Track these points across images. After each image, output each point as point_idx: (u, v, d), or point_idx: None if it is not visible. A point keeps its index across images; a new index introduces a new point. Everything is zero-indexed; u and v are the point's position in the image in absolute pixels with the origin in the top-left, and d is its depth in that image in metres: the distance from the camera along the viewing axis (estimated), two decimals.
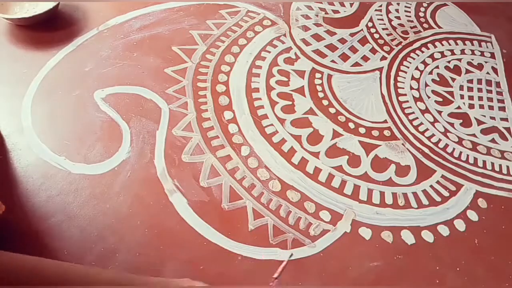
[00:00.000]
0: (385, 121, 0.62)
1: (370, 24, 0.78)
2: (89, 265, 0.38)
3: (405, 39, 0.76)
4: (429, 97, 0.67)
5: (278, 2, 0.78)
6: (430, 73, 0.71)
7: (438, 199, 0.53)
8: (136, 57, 0.64)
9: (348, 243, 0.48)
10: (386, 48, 0.73)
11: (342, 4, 0.81)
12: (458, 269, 0.47)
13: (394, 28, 0.78)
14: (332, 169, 0.54)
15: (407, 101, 0.65)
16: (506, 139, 0.62)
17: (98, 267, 0.42)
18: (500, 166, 0.59)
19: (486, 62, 0.74)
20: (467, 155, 0.59)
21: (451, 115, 0.65)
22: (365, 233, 0.49)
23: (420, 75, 0.70)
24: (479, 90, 0.69)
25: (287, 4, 0.78)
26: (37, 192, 0.47)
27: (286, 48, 0.70)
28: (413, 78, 0.69)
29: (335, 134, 0.59)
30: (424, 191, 0.54)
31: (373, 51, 0.73)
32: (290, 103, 0.62)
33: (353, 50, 0.72)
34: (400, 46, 0.74)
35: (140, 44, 0.66)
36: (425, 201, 0.53)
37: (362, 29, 0.76)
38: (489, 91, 0.69)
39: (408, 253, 0.48)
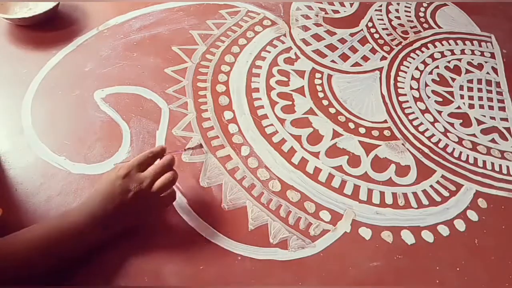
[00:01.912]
0: (385, 121, 0.62)
1: (370, 24, 0.78)
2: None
3: (405, 39, 0.76)
4: (429, 97, 0.67)
5: (278, 2, 0.78)
6: (430, 73, 0.71)
7: (438, 199, 0.53)
8: (136, 57, 0.64)
9: (348, 243, 0.48)
10: (386, 48, 0.73)
11: (342, 4, 0.81)
12: (458, 269, 0.47)
13: (394, 28, 0.78)
14: (332, 169, 0.54)
15: (407, 101, 0.65)
16: (506, 139, 0.62)
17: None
18: (500, 166, 0.59)
19: (486, 62, 0.74)
20: (467, 155, 0.59)
21: (451, 115, 0.65)
22: (365, 233, 0.49)
23: (420, 75, 0.70)
24: (479, 90, 0.69)
25: (287, 4, 0.78)
26: (37, 192, 0.47)
27: (286, 48, 0.70)
28: (413, 78, 0.69)
29: (335, 134, 0.59)
30: (424, 191, 0.54)
31: (373, 51, 0.73)
32: (290, 103, 0.62)
33: (353, 50, 0.72)
34: (400, 46, 0.74)
35: (140, 44, 0.66)
36: (425, 201, 0.53)
37: (362, 29, 0.76)
38: (489, 91, 0.69)
39: (408, 253, 0.48)
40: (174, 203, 0.48)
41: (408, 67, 0.71)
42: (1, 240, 0.37)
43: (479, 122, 0.64)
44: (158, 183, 0.42)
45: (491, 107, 0.67)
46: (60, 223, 0.40)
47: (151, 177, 0.42)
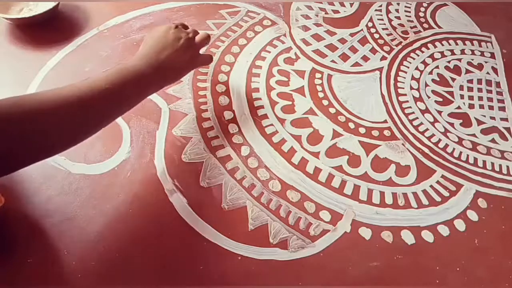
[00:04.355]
0: (385, 121, 0.62)
1: (370, 24, 0.78)
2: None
3: (405, 39, 0.76)
4: (429, 97, 0.67)
5: (278, 2, 0.78)
6: (430, 73, 0.71)
7: (438, 199, 0.53)
8: None
9: (348, 243, 0.48)
10: (386, 48, 0.73)
11: (342, 4, 0.81)
12: (458, 269, 0.47)
13: (394, 28, 0.78)
14: (332, 169, 0.54)
15: (407, 101, 0.65)
16: (506, 139, 0.62)
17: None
18: (500, 166, 0.59)
19: (486, 62, 0.74)
20: (467, 155, 0.59)
21: (451, 115, 0.65)
22: (365, 233, 0.49)
23: (420, 75, 0.70)
24: (479, 90, 0.69)
25: (287, 4, 0.78)
26: (37, 192, 0.47)
27: (286, 48, 0.70)
28: (413, 78, 0.69)
29: (335, 134, 0.59)
30: (424, 191, 0.54)
31: (373, 51, 0.73)
32: (290, 103, 0.62)
33: (353, 50, 0.72)
34: (400, 46, 0.74)
35: (140, 44, 0.66)
36: (425, 201, 0.53)
37: (362, 29, 0.76)
38: (489, 91, 0.69)
39: (408, 253, 0.48)
40: (174, 203, 0.48)
41: (408, 67, 0.71)
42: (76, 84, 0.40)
43: (479, 122, 0.64)
44: (199, 36, 0.53)
45: (491, 107, 0.67)
46: (121, 67, 0.43)
47: (194, 31, 0.53)
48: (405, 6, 0.83)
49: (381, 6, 0.82)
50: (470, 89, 0.69)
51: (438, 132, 0.62)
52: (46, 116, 0.35)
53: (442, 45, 0.76)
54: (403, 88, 0.67)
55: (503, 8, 0.87)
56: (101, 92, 0.39)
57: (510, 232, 0.51)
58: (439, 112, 0.65)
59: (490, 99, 0.68)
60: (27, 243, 0.43)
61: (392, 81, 0.68)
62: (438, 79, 0.70)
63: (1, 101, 0.33)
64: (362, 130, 0.60)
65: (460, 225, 0.51)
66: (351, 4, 0.82)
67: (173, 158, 0.52)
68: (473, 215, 0.52)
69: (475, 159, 0.59)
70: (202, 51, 0.57)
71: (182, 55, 0.49)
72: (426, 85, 0.69)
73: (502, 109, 0.67)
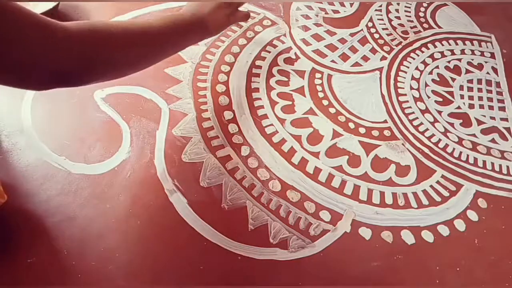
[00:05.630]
0: (385, 121, 0.62)
1: (370, 24, 0.78)
2: None
3: (405, 39, 0.76)
4: (429, 97, 0.67)
5: (278, 2, 0.78)
6: (430, 73, 0.71)
7: (438, 199, 0.53)
8: None
9: (348, 243, 0.48)
10: (386, 48, 0.74)
11: (342, 4, 0.81)
12: (458, 269, 0.47)
13: (394, 28, 0.78)
14: (332, 169, 0.54)
15: (407, 101, 0.65)
16: (506, 139, 0.62)
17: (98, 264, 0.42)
18: (500, 166, 0.59)
19: (486, 62, 0.74)
20: (467, 155, 0.59)
21: (451, 115, 0.65)
22: (365, 233, 0.49)
23: (420, 75, 0.70)
24: (479, 90, 0.69)
25: (287, 4, 0.78)
26: (37, 192, 0.47)
27: (286, 48, 0.70)
28: (413, 78, 0.69)
29: (335, 134, 0.59)
30: (424, 191, 0.54)
31: (373, 51, 0.73)
32: (290, 103, 0.62)
33: (353, 50, 0.72)
34: (400, 46, 0.74)
35: None
36: (425, 201, 0.53)
37: (362, 29, 0.76)
38: (489, 91, 0.69)
39: (408, 253, 0.48)
40: (174, 203, 0.48)
41: (408, 67, 0.71)
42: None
43: (479, 122, 0.64)
44: None
45: (491, 107, 0.67)
46: (171, 14, 0.51)
47: None
48: (405, 6, 0.83)
49: (381, 6, 0.82)
50: (470, 89, 0.69)
51: (438, 132, 0.62)
52: (111, 40, 0.41)
53: (442, 45, 0.76)
54: (403, 88, 0.67)
55: (503, 8, 0.87)
56: (152, 29, 0.46)
57: (510, 232, 0.51)
58: (439, 112, 0.65)
59: (490, 99, 0.68)
60: (27, 243, 0.43)
61: (392, 81, 0.68)
62: (438, 79, 0.70)
63: (79, 23, 0.39)
64: (362, 130, 0.60)
65: (460, 225, 0.51)
66: (351, 4, 0.82)
67: (173, 158, 0.52)
68: (473, 215, 0.52)
69: (475, 159, 0.59)
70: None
71: (222, 10, 0.55)
72: (426, 85, 0.69)
73: (502, 109, 0.67)
